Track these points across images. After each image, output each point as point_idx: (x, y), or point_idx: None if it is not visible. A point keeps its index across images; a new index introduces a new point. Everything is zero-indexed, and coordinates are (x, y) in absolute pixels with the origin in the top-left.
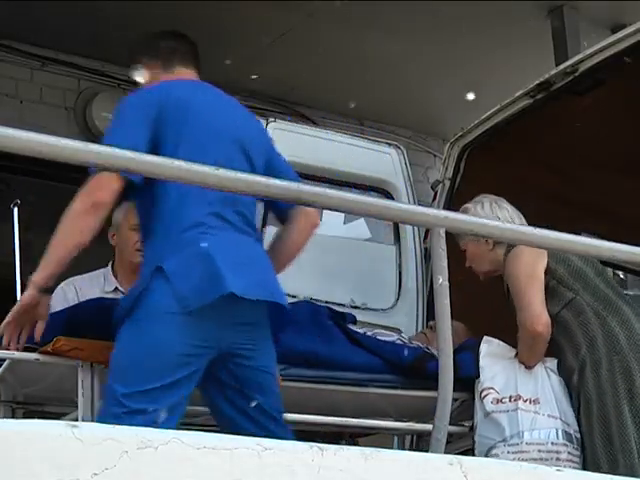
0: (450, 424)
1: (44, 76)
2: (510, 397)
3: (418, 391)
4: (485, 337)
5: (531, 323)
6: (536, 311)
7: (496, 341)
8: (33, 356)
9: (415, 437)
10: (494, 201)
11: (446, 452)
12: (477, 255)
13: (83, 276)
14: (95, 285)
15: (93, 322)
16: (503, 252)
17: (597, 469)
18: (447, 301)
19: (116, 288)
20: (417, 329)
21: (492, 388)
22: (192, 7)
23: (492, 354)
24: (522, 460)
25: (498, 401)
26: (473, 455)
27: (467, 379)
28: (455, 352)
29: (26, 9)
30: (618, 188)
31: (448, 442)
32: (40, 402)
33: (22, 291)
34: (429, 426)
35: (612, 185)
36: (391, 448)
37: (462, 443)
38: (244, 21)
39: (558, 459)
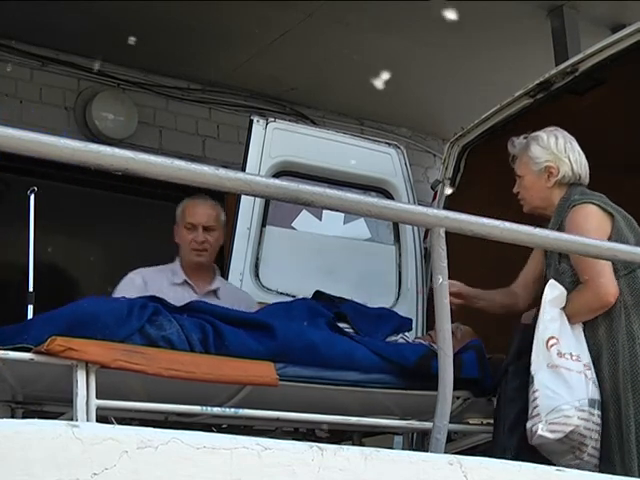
0: (453, 422)
1: (44, 76)
2: (571, 355)
3: (419, 390)
4: (551, 280)
5: (605, 293)
6: (609, 280)
7: (560, 286)
8: (27, 356)
9: (417, 435)
10: (569, 141)
11: (450, 450)
12: (533, 187)
13: (152, 268)
14: (163, 277)
15: (99, 321)
16: (561, 196)
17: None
18: (447, 301)
19: (185, 281)
20: (417, 329)
21: (557, 339)
22: (192, 7)
23: (556, 302)
24: (588, 430)
25: (561, 355)
26: (501, 431)
27: (467, 379)
28: (459, 352)
29: (26, 9)
30: (618, 188)
31: (452, 440)
32: (39, 402)
33: (35, 282)
34: (429, 424)
35: (612, 185)
36: (391, 448)
37: (467, 441)
38: (244, 21)
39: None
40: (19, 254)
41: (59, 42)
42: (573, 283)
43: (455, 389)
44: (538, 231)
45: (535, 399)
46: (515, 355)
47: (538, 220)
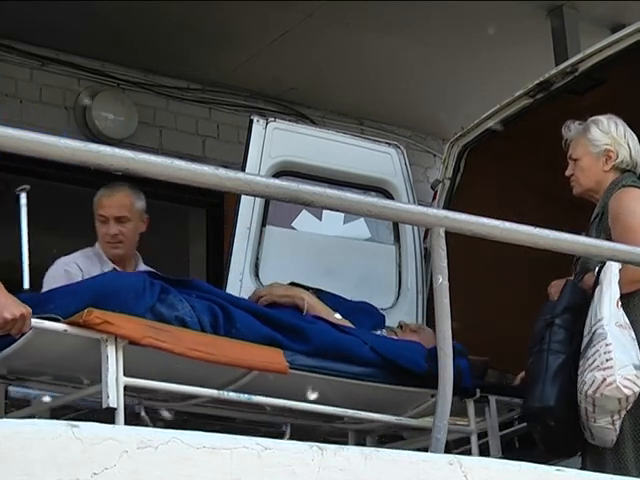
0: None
1: (44, 76)
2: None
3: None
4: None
5: None
6: None
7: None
8: (61, 327)
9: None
10: (627, 128)
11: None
12: (590, 169)
13: (77, 254)
14: (95, 264)
15: (120, 295)
16: (613, 179)
17: None
18: (447, 301)
19: (114, 269)
20: None
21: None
22: (192, 7)
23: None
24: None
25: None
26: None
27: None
28: (435, 356)
29: (26, 9)
30: None
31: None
32: (23, 377)
33: (30, 280)
34: (428, 423)
35: None
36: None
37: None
38: (244, 21)
39: None
40: (18, 253)
41: (59, 42)
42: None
43: (430, 387)
44: (538, 231)
45: (609, 352)
46: (563, 310)
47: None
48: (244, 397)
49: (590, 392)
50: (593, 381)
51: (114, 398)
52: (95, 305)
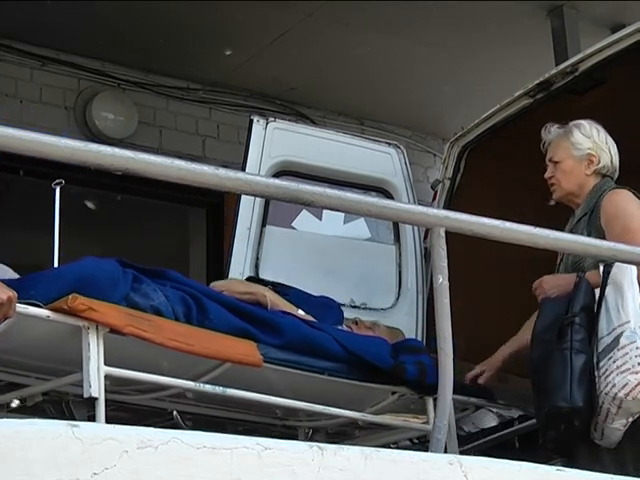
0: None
1: (44, 76)
2: None
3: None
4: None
5: None
6: None
7: None
8: (44, 313)
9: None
10: (609, 137)
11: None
12: (572, 172)
13: None
14: None
15: (98, 282)
16: (595, 184)
17: None
18: (447, 301)
19: None
20: (417, 329)
21: None
22: (192, 7)
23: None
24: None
25: None
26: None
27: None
28: (399, 353)
29: (26, 9)
30: None
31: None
32: None
33: None
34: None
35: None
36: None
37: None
38: (244, 21)
39: None
40: (18, 253)
41: (59, 42)
42: (594, 264)
43: (391, 384)
44: (538, 231)
45: None
46: (581, 309)
47: (542, 218)
48: (219, 389)
49: (621, 394)
50: (626, 384)
51: (96, 387)
52: (76, 291)
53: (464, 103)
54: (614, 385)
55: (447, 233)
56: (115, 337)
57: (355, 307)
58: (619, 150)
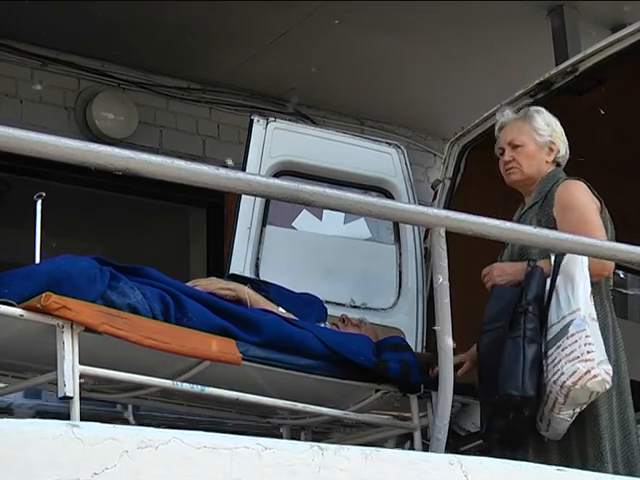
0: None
1: (44, 76)
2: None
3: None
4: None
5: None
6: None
7: None
8: (17, 312)
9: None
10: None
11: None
12: (534, 157)
13: None
14: None
15: (73, 280)
16: (550, 171)
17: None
18: (447, 300)
19: None
20: (417, 329)
21: None
22: (192, 7)
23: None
24: None
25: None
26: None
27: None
28: (382, 350)
29: (26, 9)
30: (618, 188)
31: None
32: None
33: None
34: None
35: (612, 185)
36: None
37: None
38: (244, 21)
39: None
40: (18, 253)
41: (59, 42)
42: (541, 253)
43: (375, 382)
44: (538, 231)
45: (589, 344)
46: (534, 298)
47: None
48: (197, 388)
49: (569, 383)
50: (574, 372)
51: (70, 387)
52: (49, 290)
53: (464, 103)
54: (562, 373)
55: (447, 233)
56: (92, 336)
57: (355, 307)
58: (619, 150)
